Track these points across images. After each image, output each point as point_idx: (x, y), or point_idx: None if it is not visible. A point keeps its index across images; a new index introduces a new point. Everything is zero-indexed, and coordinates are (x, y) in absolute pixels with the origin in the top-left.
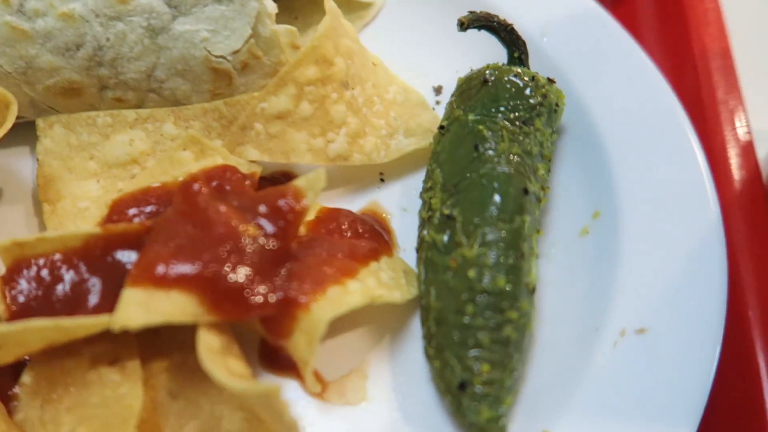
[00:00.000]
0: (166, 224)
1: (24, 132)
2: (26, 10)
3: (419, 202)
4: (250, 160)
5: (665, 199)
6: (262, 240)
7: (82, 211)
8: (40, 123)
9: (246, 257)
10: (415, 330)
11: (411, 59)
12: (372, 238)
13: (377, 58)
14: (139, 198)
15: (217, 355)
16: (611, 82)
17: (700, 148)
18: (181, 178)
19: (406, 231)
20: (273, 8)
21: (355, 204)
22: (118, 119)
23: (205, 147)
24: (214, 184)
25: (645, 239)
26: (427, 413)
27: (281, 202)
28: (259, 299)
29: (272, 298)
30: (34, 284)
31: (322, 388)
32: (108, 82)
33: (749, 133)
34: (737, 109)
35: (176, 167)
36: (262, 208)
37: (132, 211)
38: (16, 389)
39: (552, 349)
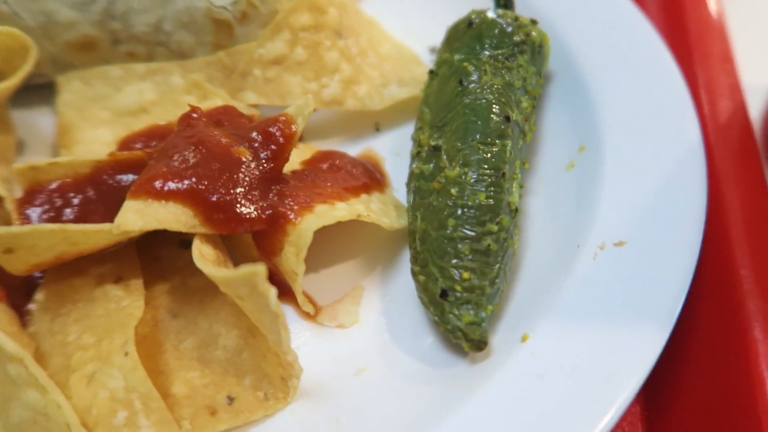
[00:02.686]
0: (166, 147)
1: (44, 92)
2: None
3: (410, 146)
4: (249, 104)
5: (647, 125)
6: (254, 161)
7: (94, 153)
8: (61, 79)
9: (238, 175)
10: (404, 259)
11: (405, 22)
12: (363, 176)
13: (373, 18)
14: (145, 135)
15: (210, 263)
16: (593, 23)
17: (682, 78)
18: None
19: (398, 173)
20: None
21: (352, 150)
22: (129, 72)
23: (208, 91)
24: (214, 120)
25: (627, 164)
26: (414, 333)
27: (272, 128)
28: (250, 214)
29: (262, 213)
30: (46, 206)
31: (315, 311)
32: (120, 35)
33: (739, 86)
34: (728, 62)
35: (180, 109)
36: (255, 134)
37: (138, 146)
38: (30, 306)
39: (535, 267)
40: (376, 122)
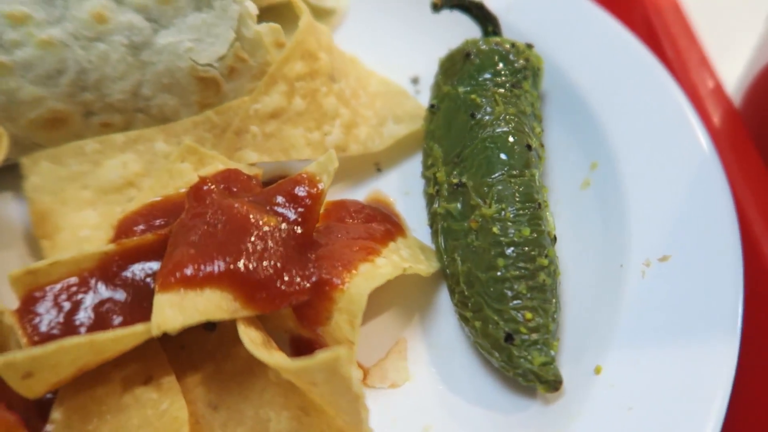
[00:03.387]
0: (184, 228)
1: (2, 176)
2: (4, 42)
3: (420, 184)
4: (249, 163)
5: (656, 135)
6: (284, 227)
7: (83, 239)
8: (25, 161)
9: (273, 247)
10: (441, 303)
11: (382, 56)
12: (383, 221)
13: (353, 56)
14: (145, 214)
15: (262, 347)
16: (581, 43)
17: (676, 84)
18: (183, 189)
19: (411, 213)
20: (254, 9)
21: (358, 195)
22: (107, 144)
23: (204, 156)
24: (222, 186)
25: (646, 177)
26: (472, 379)
27: (297, 189)
28: (294, 287)
29: (306, 284)
30: (53, 312)
31: (363, 375)
32: (93, 106)
33: (717, 79)
34: (702, 57)
35: (176, 179)
36: (279, 198)
37: (139, 228)
38: (47, 429)
39: (581, 293)
40: (376, 163)
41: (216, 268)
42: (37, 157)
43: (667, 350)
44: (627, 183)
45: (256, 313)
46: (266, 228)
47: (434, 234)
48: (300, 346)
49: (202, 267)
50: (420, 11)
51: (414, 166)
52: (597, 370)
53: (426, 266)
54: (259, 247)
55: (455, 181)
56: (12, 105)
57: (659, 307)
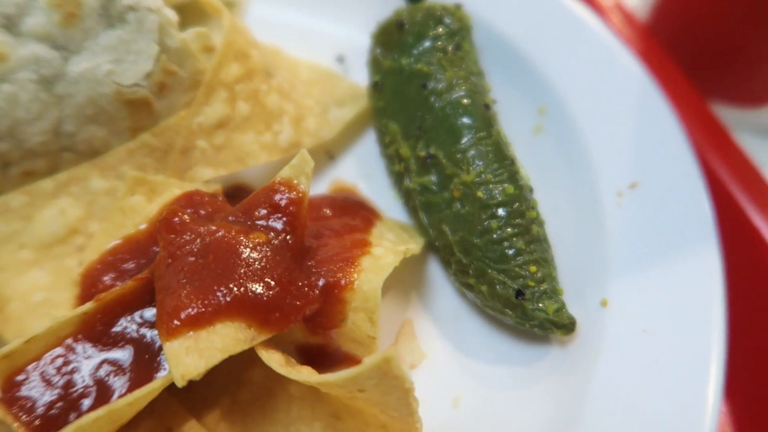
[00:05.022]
0: (167, 266)
1: None
2: None
3: (378, 164)
4: (204, 181)
5: (594, 71)
6: (275, 241)
7: (39, 304)
8: None
9: (271, 263)
10: (434, 275)
11: (299, 41)
12: (358, 209)
13: (273, 46)
14: (109, 261)
15: (288, 367)
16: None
17: (597, 17)
18: (143, 225)
19: (376, 194)
20: (174, 16)
21: (318, 189)
22: (34, 194)
23: (154, 184)
24: (191, 212)
25: (596, 112)
26: (486, 342)
27: (277, 198)
28: (303, 298)
29: (314, 292)
30: (45, 391)
31: None
32: (10, 156)
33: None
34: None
35: (131, 216)
36: (261, 211)
37: (109, 277)
38: None
39: (565, 235)
40: (327, 152)
41: (222, 300)
42: None
43: (661, 268)
44: (580, 121)
45: (272, 334)
46: (258, 245)
47: (412, 210)
48: (310, 354)
49: (207, 302)
50: None
51: (367, 146)
52: (603, 303)
53: (416, 244)
54: (258, 267)
55: (422, 153)
56: None
57: (642, 231)
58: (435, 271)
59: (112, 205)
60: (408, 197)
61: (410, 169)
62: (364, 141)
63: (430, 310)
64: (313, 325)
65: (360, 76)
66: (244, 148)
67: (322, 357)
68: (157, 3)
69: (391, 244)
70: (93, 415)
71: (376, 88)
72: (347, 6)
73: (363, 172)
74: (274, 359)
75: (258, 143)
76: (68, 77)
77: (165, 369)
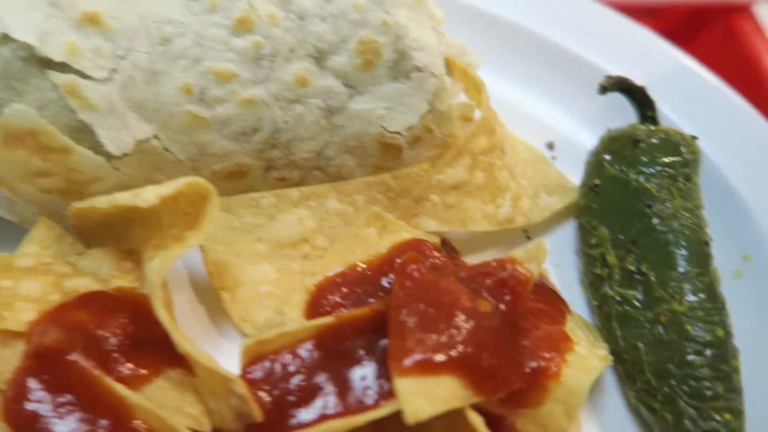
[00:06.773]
0: (403, 308)
1: None
2: (207, 98)
3: (571, 258)
4: (427, 231)
5: None
6: (497, 314)
7: (264, 295)
8: None
9: (496, 333)
10: (606, 384)
11: (516, 118)
12: (552, 297)
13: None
14: (338, 282)
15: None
16: (728, 132)
17: None
18: (369, 255)
19: (564, 287)
20: (450, 84)
21: None
22: (282, 199)
23: (388, 223)
24: (428, 263)
25: None
26: None
27: (505, 274)
28: (514, 374)
29: (524, 371)
30: (266, 383)
31: None
32: (277, 163)
33: None
34: None
35: (362, 245)
36: (487, 281)
37: (333, 296)
38: None
39: (752, 387)
40: (524, 230)
41: (452, 355)
42: None
43: None
44: None
45: (482, 399)
46: (483, 312)
47: (604, 316)
48: (485, 419)
49: (440, 354)
50: (543, 70)
51: (564, 238)
52: None
53: (603, 352)
54: (483, 334)
55: (632, 268)
56: (202, 157)
57: None
58: (606, 377)
59: (343, 229)
60: (603, 302)
61: (613, 277)
62: (562, 231)
63: (598, 414)
64: (507, 398)
65: (564, 165)
66: (468, 212)
67: (492, 425)
68: (441, 70)
69: (587, 344)
70: (335, 424)
71: (594, 189)
72: (557, 90)
73: (554, 260)
74: (478, 421)
75: (481, 211)
76: (347, 112)
77: (372, 397)
